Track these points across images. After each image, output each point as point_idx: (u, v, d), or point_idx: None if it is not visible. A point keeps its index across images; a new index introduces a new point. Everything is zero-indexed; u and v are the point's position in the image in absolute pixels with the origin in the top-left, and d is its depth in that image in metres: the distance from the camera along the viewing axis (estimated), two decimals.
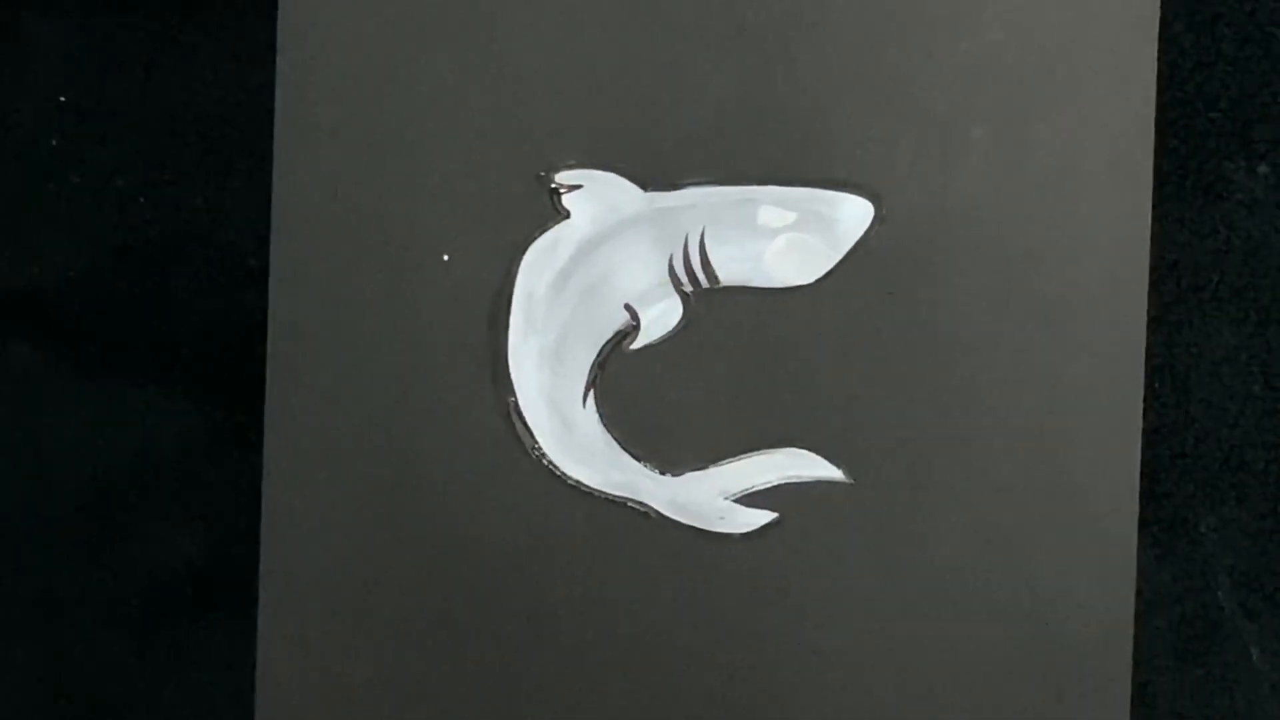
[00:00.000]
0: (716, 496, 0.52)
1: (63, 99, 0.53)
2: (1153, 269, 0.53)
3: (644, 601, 0.53)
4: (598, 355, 0.52)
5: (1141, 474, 0.52)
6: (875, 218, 0.52)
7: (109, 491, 0.54)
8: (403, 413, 0.53)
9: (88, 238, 0.53)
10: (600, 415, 0.52)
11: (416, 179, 0.52)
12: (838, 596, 0.52)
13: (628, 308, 0.52)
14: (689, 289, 0.52)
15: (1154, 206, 0.53)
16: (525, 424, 0.52)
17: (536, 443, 0.52)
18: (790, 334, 0.52)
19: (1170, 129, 0.53)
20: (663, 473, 0.53)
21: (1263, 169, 0.53)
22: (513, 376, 0.52)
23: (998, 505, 0.52)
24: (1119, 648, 0.52)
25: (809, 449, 0.52)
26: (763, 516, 0.52)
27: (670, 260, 0.52)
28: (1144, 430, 0.53)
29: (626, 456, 0.52)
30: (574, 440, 0.52)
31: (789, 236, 0.52)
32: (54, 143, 0.53)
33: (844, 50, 0.52)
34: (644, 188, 0.52)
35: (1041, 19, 0.52)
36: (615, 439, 0.52)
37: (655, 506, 0.53)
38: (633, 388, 0.52)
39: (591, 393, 0.52)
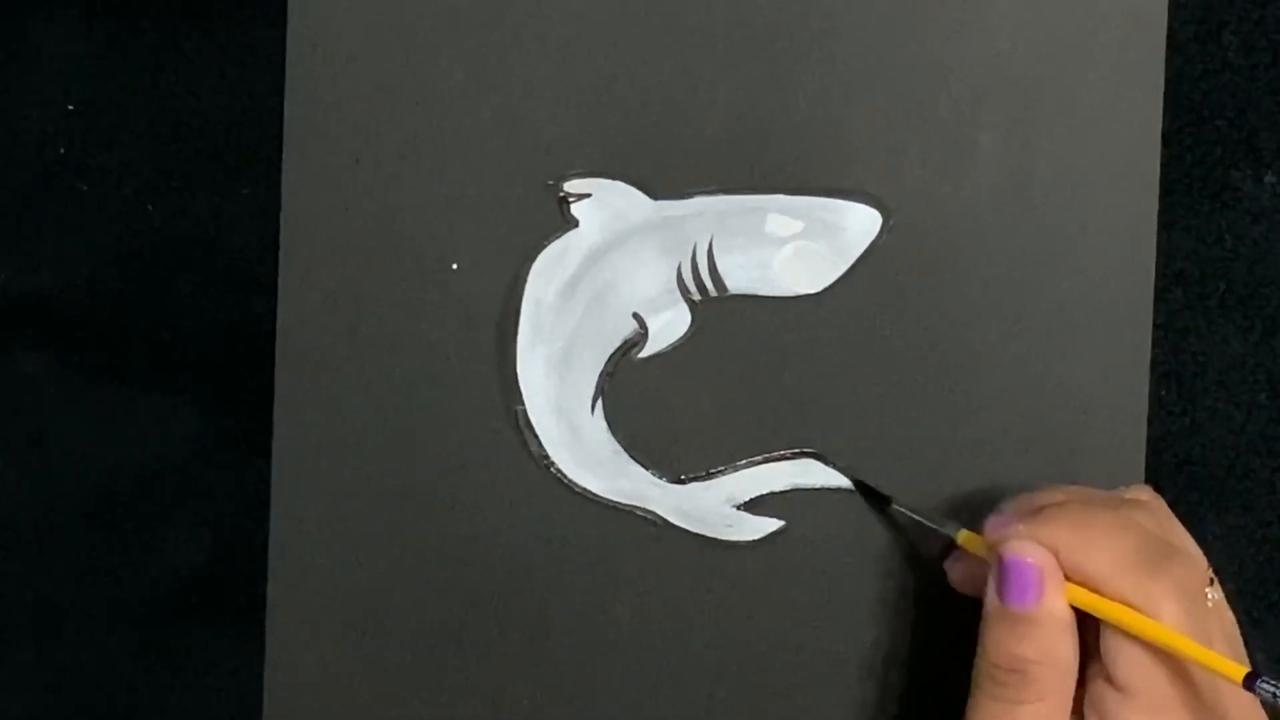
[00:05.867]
0: (724, 504, 0.53)
1: (70, 107, 0.53)
2: (1159, 276, 0.53)
3: (652, 609, 0.53)
4: (606, 363, 0.52)
5: (1146, 480, 0.53)
6: (883, 226, 0.52)
7: (116, 498, 0.54)
8: (411, 420, 0.53)
9: (95, 245, 0.53)
10: (608, 423, 0.52)
11: (425, 187, 0.52)
12: (845, 604, 0.52)
13: (636, 316, 0.53)
14: (697, 297, 0.53)
15: (1160, 214, 0.53)
16: (533, 432, 0.52)
17: (544, 451, 0.52)
18: (798, 342, 0.52)
19: (1177, 137, 0.53)
20: (670, 481, 0.53)
21: (1269, 177, 0.53)
22: (521, 384, 0.52)
23: None
24: None
25: (816, 457, 0.52)
26: (770, 524, 0.53)
27: (678, 269, 0.52)
28: (1149, 437, 0.53)
29: (634, 464, 0.52)
30: (582, 448, 0.52)
31: (797, 245, 0.52)
32: (61, 150, 0.53)
33: (851, 59, 0.52)
34: (652, 196, 0.52)
35: (1048, 28, 0.52)
36: (623, 447, 0.53)
37: (663, 514, 0.53)
38: (640, 396, 0.52)
39: (599, 401, 0.52)
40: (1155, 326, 0.53)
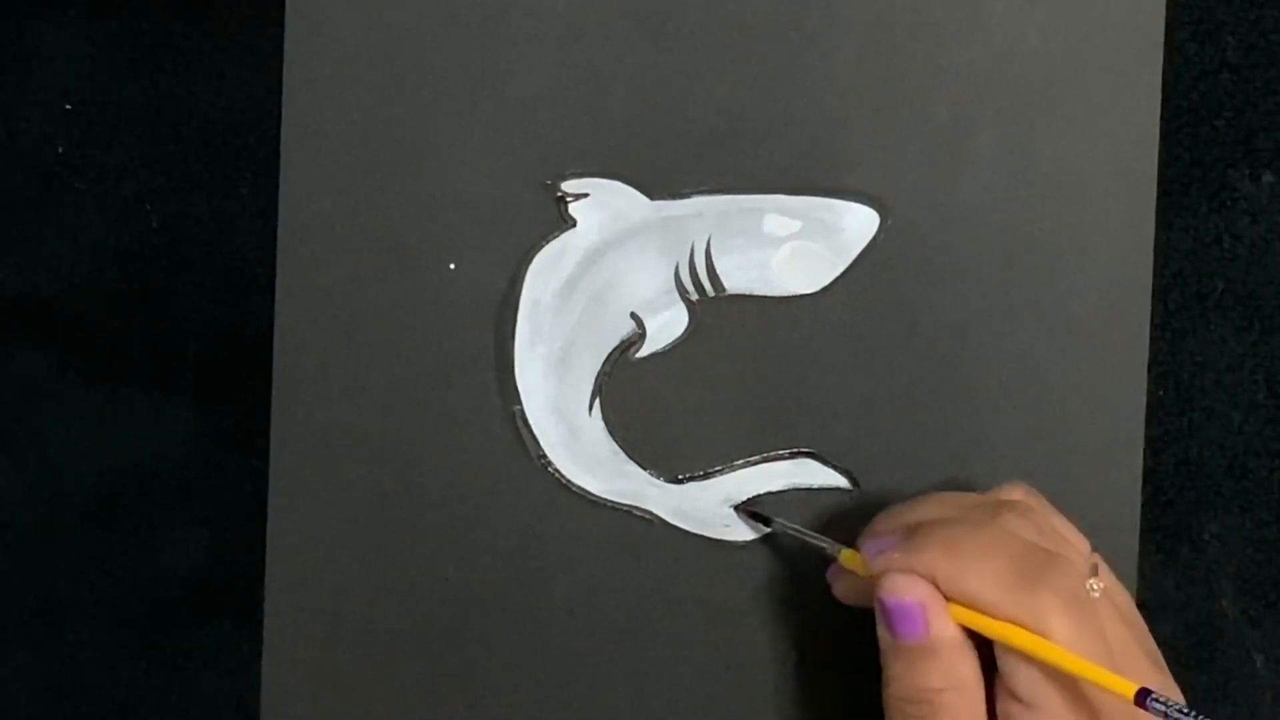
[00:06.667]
0: (722, 504, 0.53)
1: (68, 106, 0.53)
2: (1157, 276, 0.53)
3: (649, 608, 0.53)
4: (604, 363, 0.53)
5: (1145, 481, 0.53)
6: (881, 226, 0.52)
7: (114, 497, 0.54)
8: (408, 420, 0.53)
9: (93, 245, 0.53)
10: (606, 423, 0.53)
11: (423, 187, 0.52)
12: (843, 603, 0.52)
13: (634, 316, 0.53)
14: (695, 297, 0.53)
15: (1158, 214, 0.53)
16: (531, 432, 0.53)
17: (542, 450, 0.53)
18: (796, 342, 0.52)
19: (1175, 137, 0.53)
20: (668, 480, 0.53)
21: (1267, 177, 0.53)
22: (519, 384, 0.52)
23: None
24: None
25: (814, 457, 0.52)
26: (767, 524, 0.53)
27: (676, 268, 0.52)
28: (1147, 437, 0.53)
29: (632, 464, 0.53)
30: (580, 448, 0.52)
31: (794, 245, 0.52)
32: (60, 149, 0.53)
33: (849, 59, 0.52)
34: (650, 196, 0.52)
35: (1047, 27, 0.52)
36: (621, 447, 0.53)
37: (660, 514, 0.53)
38: (638, 396, 0.53)
39: (597, 401, 0.52)
40: (1153, 326, 0.53)
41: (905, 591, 0.46)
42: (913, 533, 0.47)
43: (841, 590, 0.50)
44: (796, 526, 0.52)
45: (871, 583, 0.47)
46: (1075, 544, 0.47)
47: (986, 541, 0.46)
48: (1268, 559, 0.54)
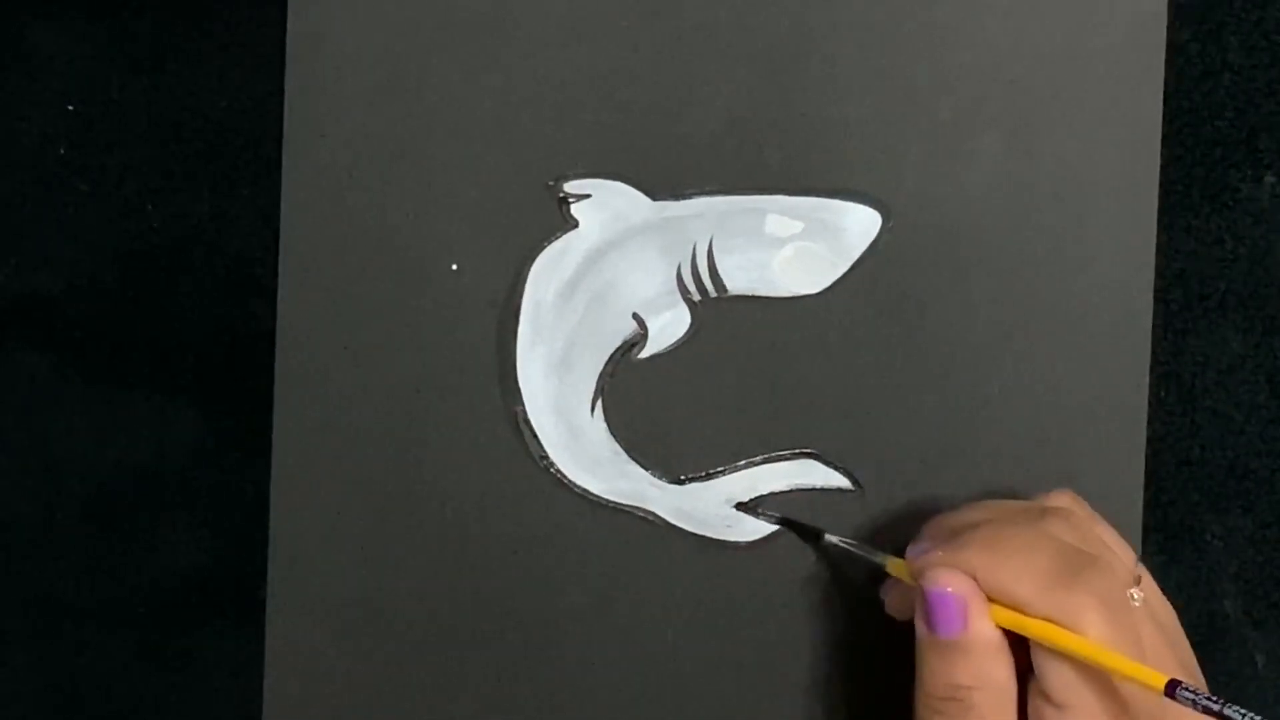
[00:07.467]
0: (723, 505, 0.53)
1: (70, 107, 0.53)
2: (1159, 277, 0.53)
3: (650, 609, 0.53)
4: (605, 364, 0.52)
5: (1147, 481, 0.53)
6: (883, 227, 0.52)
7: (116, 498, 0.54)
8: (410, 421, 0.53)
9: (95, 245, 0.53)
10: (608, 424, 0.53)
11: (425, 188, 0.52)
12: (844, 604, 0.52)
13: (635, 316, 0.53)
14: (697, 298, 0.53)
15: (1160, 215, 0.53)
16: (533, 432, 0.53)
17: (544, 451, 0.52)
18: (798, 343, 0.52)
19: (1177, 138, 0.53)
20: (670, 481, 0.53)
21: (1269, 178, 0.53)
22: (521, 385, 0.52)
23: None
24: None
25: (816, 458, 0.52)
26: (769, 525, 0.53)
27: (678, 269, 0.52)
28: (1150, 438, 0.53)
29: (634, 465, 0.52)
30: (581, 449, 0.52)
31: (796, 246, 0.52)
32: (61, 151, 0.53)
33: (852, 60, 0.52)
34: (652, 197, 0.52)
35: (1049, 29, 0.52)
36: (622, 447, 0.53)
37: (662, 515, 0.53)
38: (640, 396, 0.53)
39: (599, 401, 0.52)
40: (1155, 327, 0.53)
41: (947, 582, 0.46)
42: (955, 535, 0.47)
43: (893, 604, 0.50)
44: (848, 540, 0.51)
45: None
46: (1119, 553, 0.48)
47: (1027, 541, 0.46)
48: (1269, 559, 0.54)
